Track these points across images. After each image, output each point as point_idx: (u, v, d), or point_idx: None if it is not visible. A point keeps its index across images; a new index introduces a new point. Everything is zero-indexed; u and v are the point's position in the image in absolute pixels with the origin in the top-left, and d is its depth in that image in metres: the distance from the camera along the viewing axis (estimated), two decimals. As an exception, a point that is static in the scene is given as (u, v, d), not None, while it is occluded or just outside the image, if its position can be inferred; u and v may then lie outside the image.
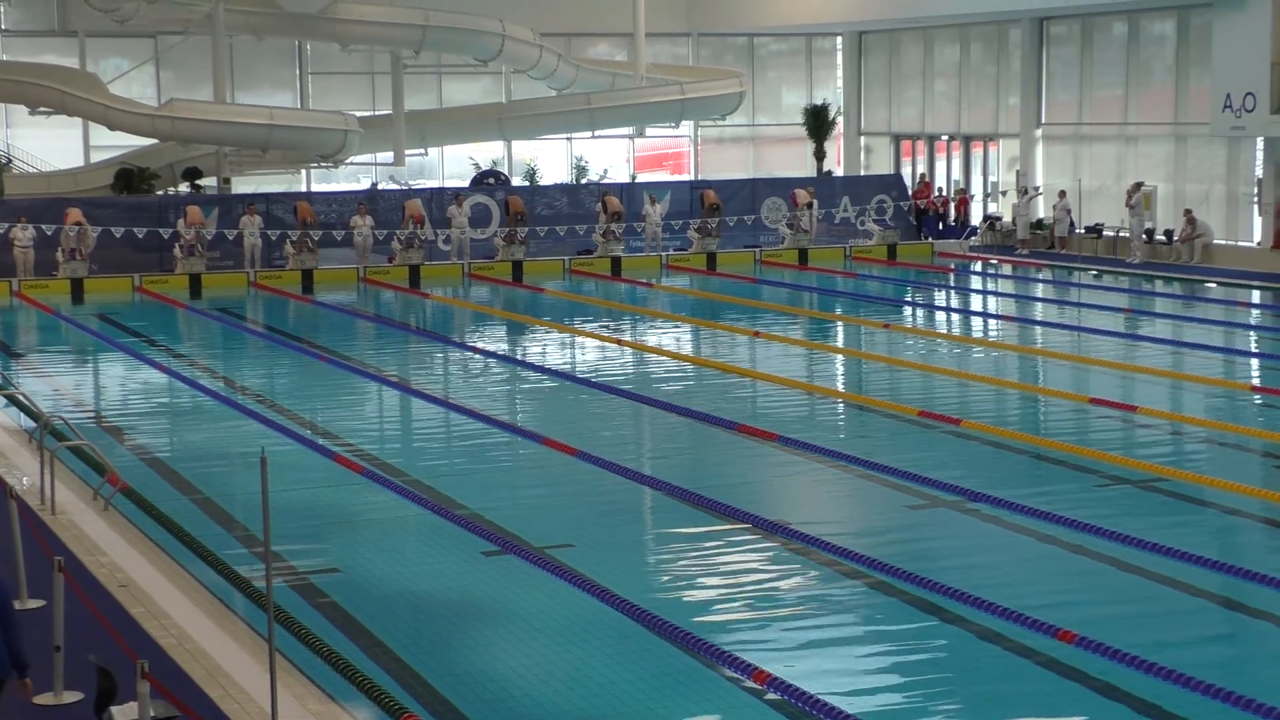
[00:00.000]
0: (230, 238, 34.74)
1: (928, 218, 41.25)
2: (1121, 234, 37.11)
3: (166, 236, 34.41)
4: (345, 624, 11.43)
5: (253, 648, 10.62)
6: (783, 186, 40.63)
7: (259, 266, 34.71)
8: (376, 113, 42.93)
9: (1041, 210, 39.90)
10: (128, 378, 23.35)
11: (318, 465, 16.69)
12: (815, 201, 38.96)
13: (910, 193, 42.07)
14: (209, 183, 39.29)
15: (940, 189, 42.93)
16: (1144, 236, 36.33)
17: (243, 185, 40.67)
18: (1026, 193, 39.23)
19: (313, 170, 42.85)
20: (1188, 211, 35.59)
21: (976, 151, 44.08)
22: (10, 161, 39.37)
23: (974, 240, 40.60)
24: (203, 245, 34.07)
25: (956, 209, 41.73)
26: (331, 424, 19.17)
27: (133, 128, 37.11)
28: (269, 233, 35.10)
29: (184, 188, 38.85)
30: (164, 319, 29.77)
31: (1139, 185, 36.35)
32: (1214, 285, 31.95)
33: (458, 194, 37.65)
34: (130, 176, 37.84)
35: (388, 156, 41.48)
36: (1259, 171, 34.89)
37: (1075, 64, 39.95)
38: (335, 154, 38.47)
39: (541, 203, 38.61)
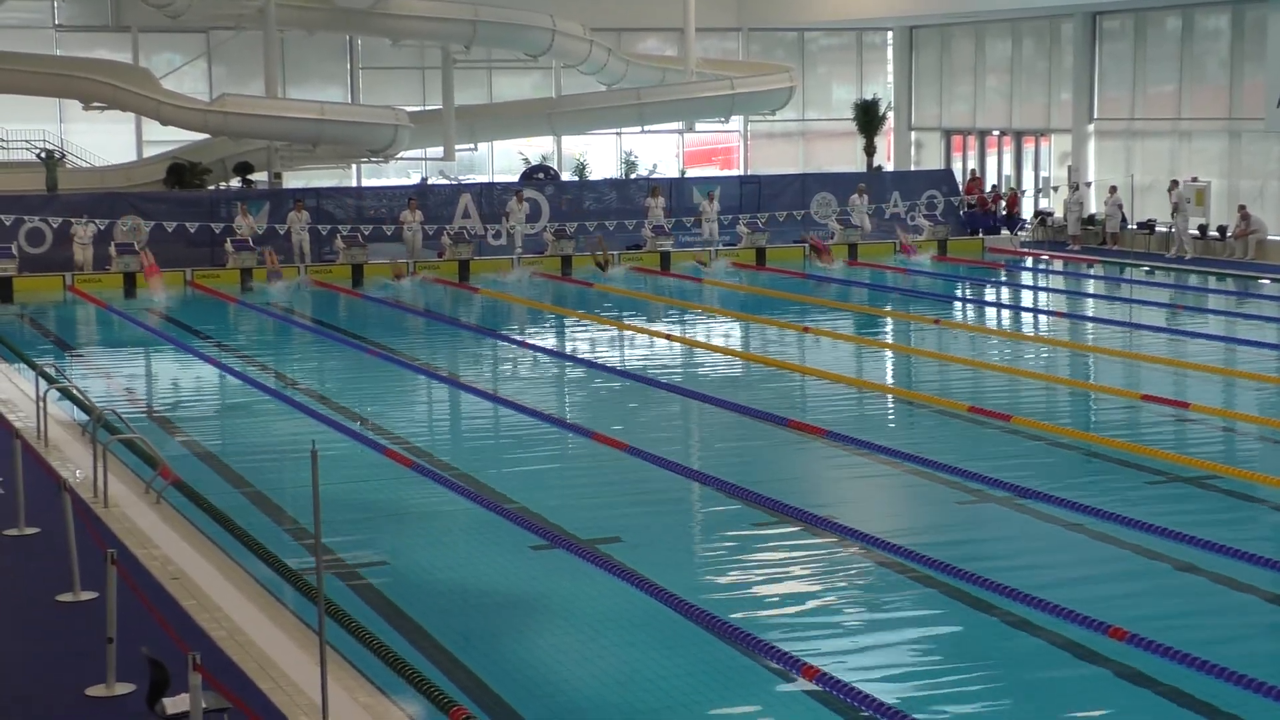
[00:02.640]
0: (281, 233, 34.90)
1: (977, 213, 41.03)
2: (1174, 230, 36.85)
3: (218, 231, 34.60)
4: (395, 617, 11.47)
5: (303, 640, 10.66)
6: (832, 182, 40.53)
7: (309, 262, 34.88)
8: (427, 107, 43.04)
9: (1093, 205, 39.65)
10: (179, 372, 23.51)
11: (367, 459, 16.75)
12: (868, 196, 39.01)
13: (961, 188, 41.88)
14: (260, 177, 39.49)
15: (994, 185, 42.70)
16: (1192, 232, 36.07)
17: (294, 180, 40.87)
18: (1078, 189, 39.01)
19: (363, 165, 43.03)
20: (1242, 207, 35.31)
21: (1028, 147, 43.85)
22: (64, 156, 39.68)
23: (1025, 235, 40.42)
24: (266, 254, 34.29)
25: (1007, 205, 41.48)
26: (381, 418, 19.23)
27: (185, 123, 37.34)
28: (319, 227, 35.27)
29: (235, 182, 39.07)
30: (215, 313, 29.94)
31: (1175, 183, 36.31)
32: (1268, 281, 31.67)
33: (518, 190, 37.83)
34: (182, 171, 38.07)
35: (438, 151, 41.59)
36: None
37: (1128, 59, 39.67)
38: (385, 149, 38.60)
39: (591, 197, 38.65)
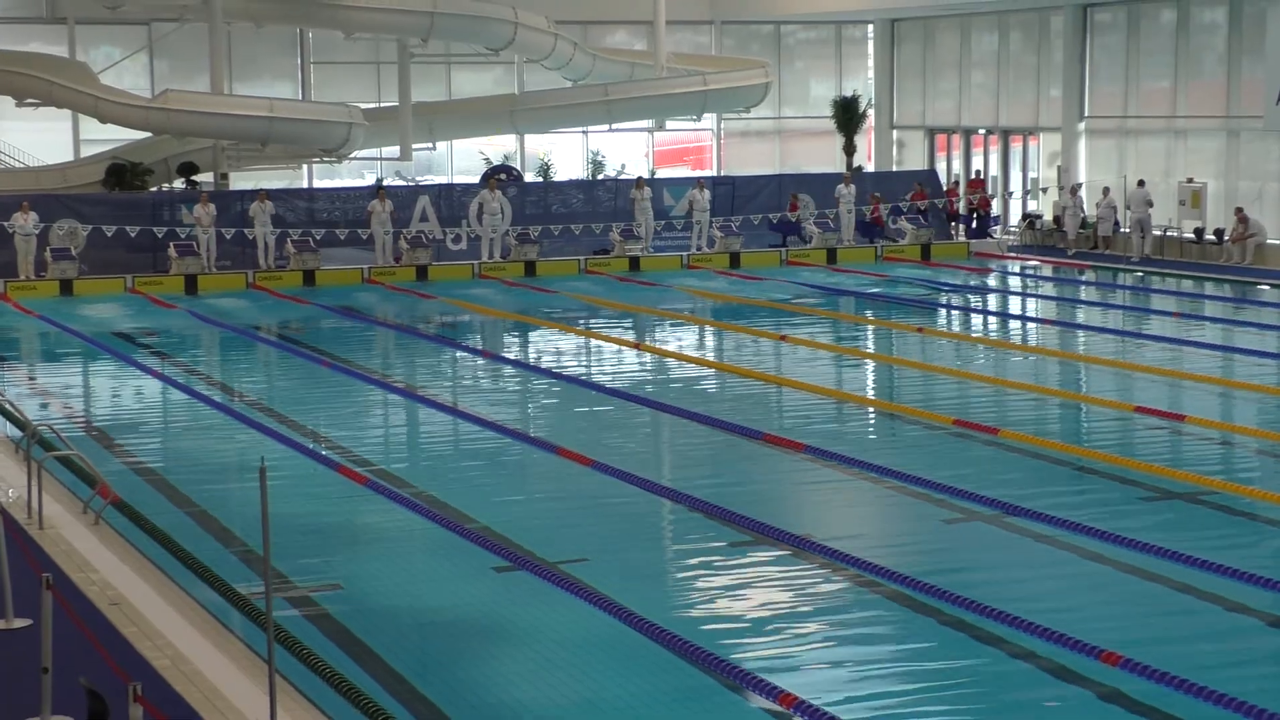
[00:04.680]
0: (228, 237, 34.75)
1: (962, 216, 41.24)
2: (1169, 233, 37.09)
3: (161, 235, 34.49)
4: (348, 644, 11.45)
5: (251, 669, 10.64)
6: (810, 183, 40.64)
7: (271, 261, 34.78)
8: (382, 104, 43.04)
9: (1086, 208, 39.86)
10: (119, 384, 23.42)
11: (320, 476, 16.72)
12: (855, 185, 39.12)
13: (958, 188, 42.02)
14: (206, 178, 39.39)
15: (1006, 188, 42.91)
16: (1188, 236, 36.33)
17: (241, 181, 40.80)
18: (1076, 192, 39.14)
19: (315, 165, 42.97)
20: (1239, 210, 35.50)
21: (1016, 146, 44.05)
22: (-4, 156, 39.56)
23: (1011, 238, 40.67)
24: (210, 252, 34.18)
25: (979, 205, 41.62)
26: (334, 433, 19.19)
27: (125, 120, 37.22)
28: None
29: (179, 184, 38.95)
30: (158, 322, 29.83)
31: (1105, 190, 37.11)
32: (1267, 287, 31.87)
33: (490, 177, 38.03)
34: (122, 172, 37.97)
35: (394, 151, 41.57)
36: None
37: (1121, 54, 39.89)
38: (338, 148, 38.56)
39: (556, 200, 38.68)
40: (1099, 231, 38.51)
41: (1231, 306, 29.89)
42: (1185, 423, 18.80)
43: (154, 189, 38.46)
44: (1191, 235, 36.85)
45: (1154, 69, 39.09)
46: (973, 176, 43.18)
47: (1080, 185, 39.95)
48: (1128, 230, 38.02)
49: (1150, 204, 36.76)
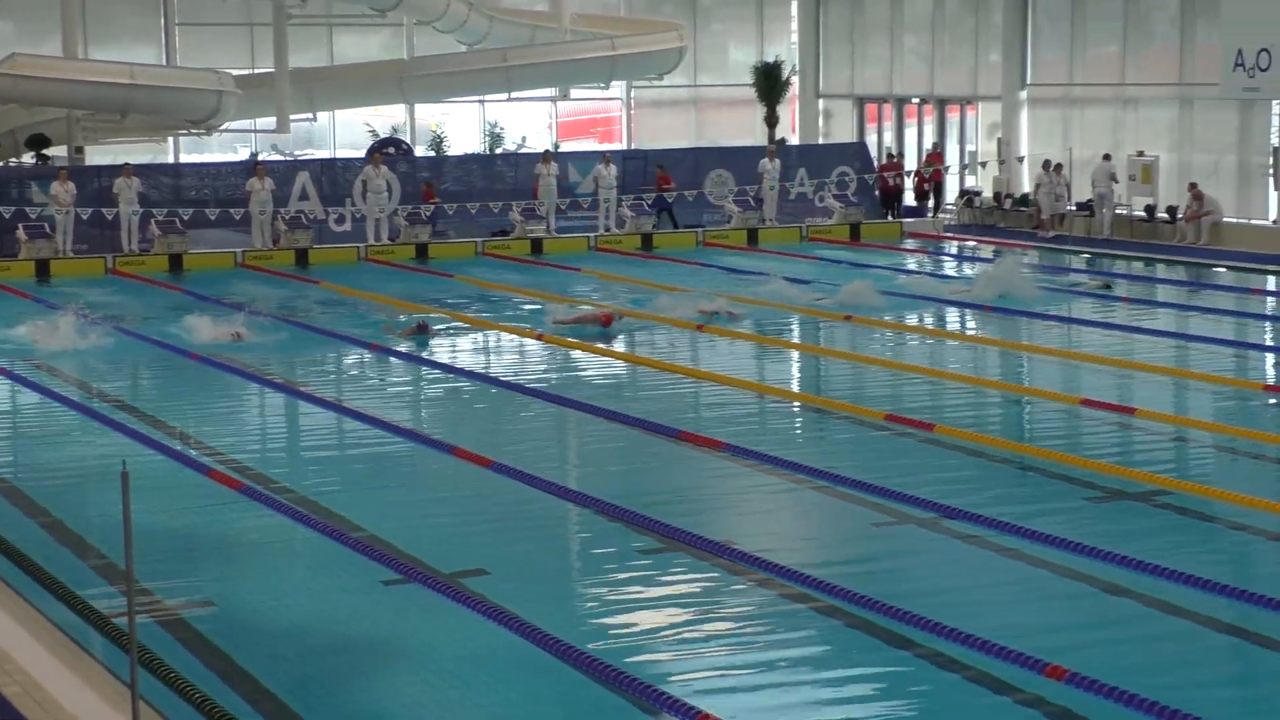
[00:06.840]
0: (85, 217, 34.37)
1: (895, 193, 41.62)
2: (1118, 211, 37.49)
3: (8, 216, 34.07)
4: (222, 667, 11.39)
5: (113, 696, 10.55)
6: (730, 157, 40.77)
7: (134, 244, 34.48)
8: (256, 71, 42.73)
9: (1026, 184, 40.22)
10: (-36, 381, 23.14)
11: (188, 482, 16.60)
12: (779, 160, 39.23)
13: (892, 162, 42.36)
14: (58, 152, 38.95)
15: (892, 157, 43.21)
16: (1138, 214, 36.73)
17: (99, 155, 40.38)
18: (1060, 168, 39.22)
19: (181, 138, 42.60)
20: (1193, 185, 35.94)
21: (952, 117, 44.36)
22: None
23: (948, 217, 41.03)
24: (67, 235, 33.85)
25: (932, 179, 41.97)
26: (204, 434, 19.06)
27: (-34, 87, 36.77)
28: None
29: (28, 158, 38.50)
30: (5, 312, 29.48)
31: (1108, 155, 37.27)
32: (1223, 270, 32.30)
33: (374, 151, 37.87)
34: (-37, 145, 37.52)
35: (269, 122, 41.30)
36: (1275, 139, 35.27)
37: (1065, 17, 40.27)
38: (208, 119, 38.26)
39: (450, 176, 38.58)
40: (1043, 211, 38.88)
41: (1185, 290, 30.24)
42: (1136, 416, 19.02)
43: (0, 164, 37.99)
44: (1142, 213, 37.27)
45: (1101, 33, 39.49)
46: (930, 150, 43.41)
47: (1021, 159, 40.29)
48: (1073, 208, 38.41)
49: (1115, 179, 37.11)
